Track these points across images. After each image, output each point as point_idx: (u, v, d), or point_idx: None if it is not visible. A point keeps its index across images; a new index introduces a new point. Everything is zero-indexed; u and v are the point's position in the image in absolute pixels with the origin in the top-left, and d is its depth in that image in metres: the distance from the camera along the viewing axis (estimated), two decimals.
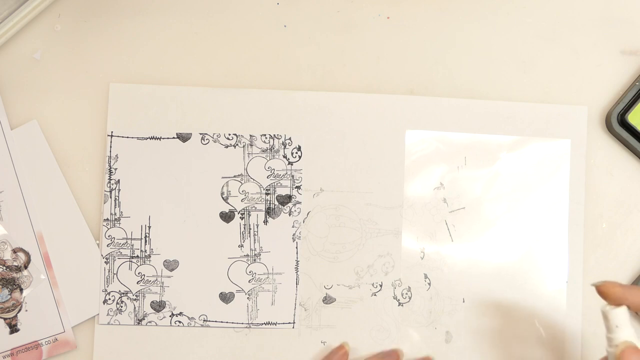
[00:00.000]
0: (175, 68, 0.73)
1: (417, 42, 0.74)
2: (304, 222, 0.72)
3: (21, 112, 0.72)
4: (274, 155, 0.72)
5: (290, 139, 0.72)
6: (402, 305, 0.71)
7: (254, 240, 0.71)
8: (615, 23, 0.74)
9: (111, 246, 0.71)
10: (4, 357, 0.70)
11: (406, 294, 0.71)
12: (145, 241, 0.71)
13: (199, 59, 0.73)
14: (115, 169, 0.71)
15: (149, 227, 0.71)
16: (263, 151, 0.72)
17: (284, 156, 0.72)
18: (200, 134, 0.72)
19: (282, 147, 0.72)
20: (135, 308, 0.71)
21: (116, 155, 0.72)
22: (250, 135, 0.72)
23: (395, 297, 0.71)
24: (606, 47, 0.74)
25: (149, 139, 0.72)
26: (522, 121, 0.73)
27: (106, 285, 0.71)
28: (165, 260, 0.71)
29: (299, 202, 0.72)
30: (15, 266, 0.70)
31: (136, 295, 0.71)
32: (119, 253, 0.71)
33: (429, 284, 0.71)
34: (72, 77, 0.73)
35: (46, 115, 0.72)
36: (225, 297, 0.71)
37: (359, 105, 0.72)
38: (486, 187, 0.72)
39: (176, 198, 0.71)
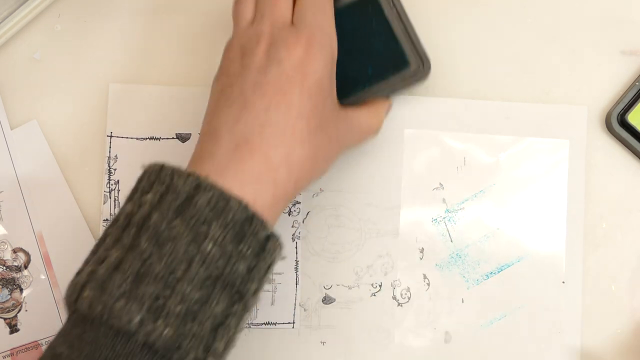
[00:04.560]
0: (175, 68, 0.73)
1: None
2: (303, 222, 0.72)
3: (21, 112, 0.73)
4: None
5: None
6: (402, 306, 0.71)
7: None
8: (615, 23, 0.74)
9: None
10: (4, 357, 0.70)
11: (405, 294, 0.71)
12: None
13: (199, 59, 0.73)
14: (115, 170, 0.72)
15: None
16: None
17: None
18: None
19: None
20: None
21: (115, 156, 0.72)
22: None
23: (394, 297, 0.71)
24: (606, 47, 0.74)
25: (148, 139, 0.72)
26: (522, 121, 0.73)
27: None
28: None
29: (299, 202, 0.72)
30: (15, 266, 0.70)
31: None
32: None
33: (428, 284, 0.71)
34: (72, 77, 0.73)
35: (46, 115, 0.73)
36: None
37: None
38: (485, 188, 0.72)
39: None
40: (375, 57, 0.68)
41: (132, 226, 0.55)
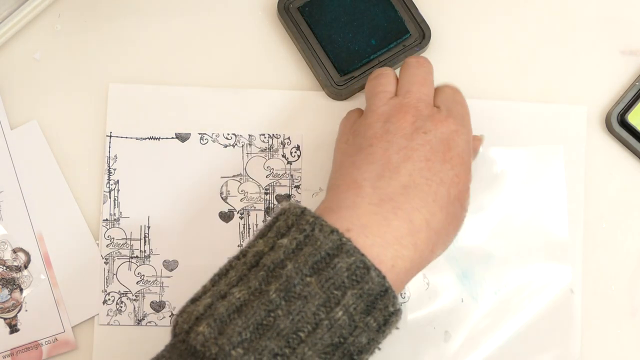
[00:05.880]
0: (175, 68, 0.73)
1: None
2: None
3: (21, 112, 0.73)
4: (272, 155, 0.72)
5: (289, 138, 0.72)
6: (401, 305, 0.71)
7: None
8: (615, 23, 0.74)
9: (110, 246, 0.71)
10: (4, 357, 0.70)
11: (405, 294, 0.71)
12: (145, 241, 0.71)
13: (198, 59, 0.73)
14: (115, 170, 0.72)
15: (149, 227, 0.71)
16: (262, 151, 0.72)
17: (283, 155, 0.72)
18: (199, 133, 0.72)
19: (281, 146, 0.72)
20: (135, 308, 0.71)
21: (115, 156, 0.72)
22: (249, 135, 0.72)
23: None
24: (606, 47, 0.74)
25: (147, 139, 0.72)
26: (522, 121, 0.73)
27: (106, 286, 0.71)
28: (164, 261, 0.71)
29: (298, 202, 0.72)
30: (15, 266, 0.70)
31: (136, 296, 0.71)
32: (118, 253, 0.71)
33: (428, 283, 0.71)
34: (72, 77, 0.73)
35: (46, 115, 0.72)
36: None
37: (358, 105, 0.72)
38: (485, 187, 0.72)
39: (175, 198, 0.71)
40: (377, 29, 0.72)
41: (262, 268, 0.54)
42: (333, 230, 0.54)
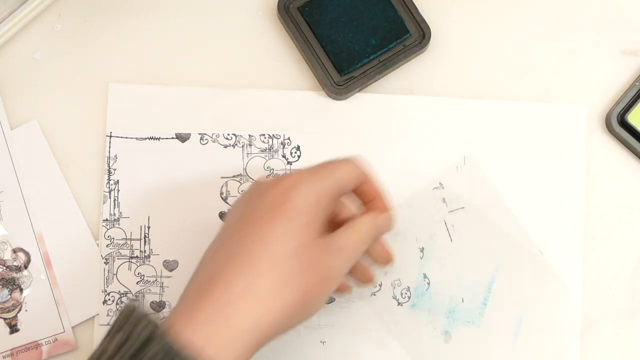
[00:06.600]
0: (175, 68, 0.73)
1: None
2: None
3: (21, 112, 0.73)
4: (273, 155, 0.72)
5: (289, 138, 0.72)
6: (402, 305, 0.71)
7: None
8: (615, 23, 0.74)
9: (110, 246, 0.71)
10: (4, 357, 0.70)
11: (405, 293, 0.71)
12: (145, 241, 0.71)
13: (198, 59, 0.73)
14: (115, 170, 0.72)
15: (149, 227, 0.71)
16: (262, 151, 0.72)
17: (283, 156, 0.72)
18: (199, 134, 0.72)
19: (281, 146, 0.72)
20: None
21: (115, 156, 0.72)
22: (249, 135, 0.72)
23: (394, 297, 0.71)
24: (606, 47, 0.74)
25: (147, 139, 0.72)
26: (522, 121, 0.73)
27: (106, 286, 0.71)
28: (164, 261, 0.71)
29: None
30: (15, 266, 0.70)
31: (136, 296, 0.71)
32: (118, 253, 0.71)
33: (428, 283, 0.71)
34: (72, 77, 0.73)
35: (46, 115, 0.72)
36: None
37: (358, 105, 0.72)
38: (485, 187, 0.72)
39: (175, 198, 0.71)
40: (377, 29, 0.72)
41: None
42: (148, 322, 0.53)
